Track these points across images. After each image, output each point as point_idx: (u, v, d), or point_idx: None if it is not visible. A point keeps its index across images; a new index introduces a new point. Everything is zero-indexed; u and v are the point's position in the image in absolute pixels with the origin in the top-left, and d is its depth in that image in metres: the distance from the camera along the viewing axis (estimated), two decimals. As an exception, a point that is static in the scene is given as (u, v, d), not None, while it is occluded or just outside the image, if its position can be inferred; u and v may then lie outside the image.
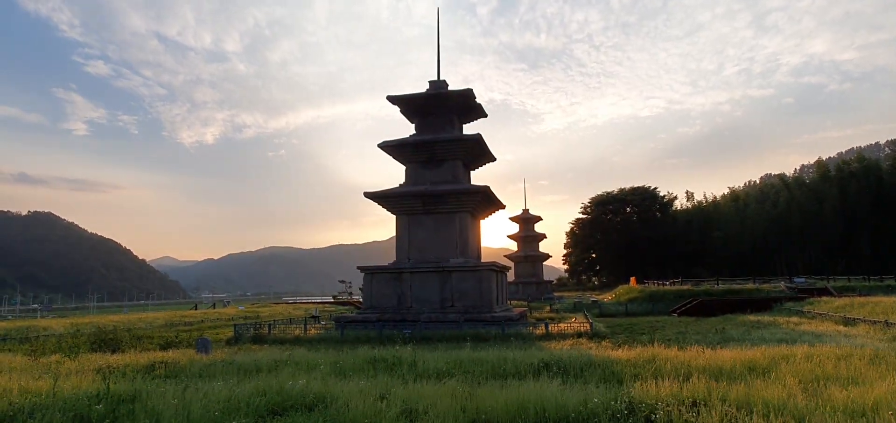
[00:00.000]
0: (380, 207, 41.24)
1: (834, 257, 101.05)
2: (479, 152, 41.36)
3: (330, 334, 32.42)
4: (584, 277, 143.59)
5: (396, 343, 28.06)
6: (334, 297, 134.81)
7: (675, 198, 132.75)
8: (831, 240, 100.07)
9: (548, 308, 55.23)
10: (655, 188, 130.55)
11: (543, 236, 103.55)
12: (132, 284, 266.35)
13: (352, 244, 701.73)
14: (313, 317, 46.40)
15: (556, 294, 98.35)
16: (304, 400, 9.62)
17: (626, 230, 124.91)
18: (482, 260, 41.55)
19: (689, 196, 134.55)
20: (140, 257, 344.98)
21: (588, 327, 28.71)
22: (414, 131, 41.94)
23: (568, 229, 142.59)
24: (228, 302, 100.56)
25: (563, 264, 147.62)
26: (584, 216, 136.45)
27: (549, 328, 29.18)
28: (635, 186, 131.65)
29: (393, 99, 41.35)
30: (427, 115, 41.36)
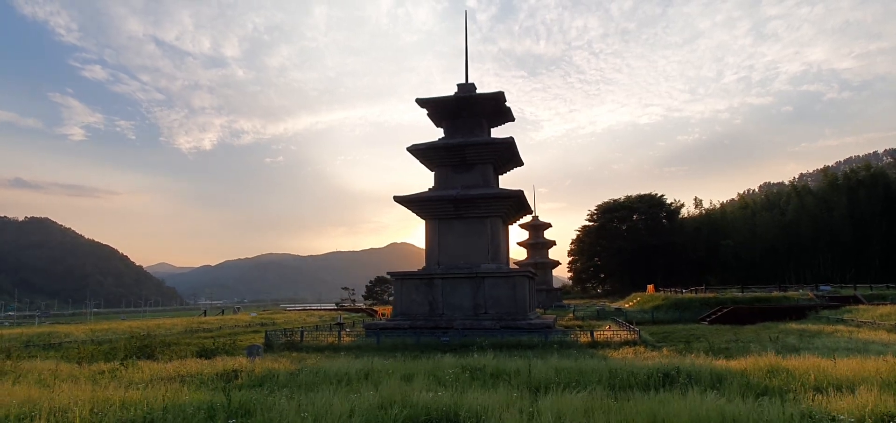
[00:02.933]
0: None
1: (843, 265, 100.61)
2: (510, 156, 40.68)
3: (365, 341, 31.56)
4: (588, 284, 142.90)
5: (437, 351, 27.24)
6: (337, 304, 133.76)
7: (682, 205, 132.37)
8: (841, 248, 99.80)
9: (570, 315, 54.44)
10: (662, 196, 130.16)
11: (553, 243, 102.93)
12: (129, 290, 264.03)
13: (349, 251, 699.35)
14: (338, 324, 45.47)
15: (565, 302, 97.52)
16: (437, 414, 8.80)
17: (633, 238, 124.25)
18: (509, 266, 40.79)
19: (697, 203, 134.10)
20: (137, 264, 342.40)
21: (635, 336, 27.94)
22: (442, 135, 41.24)
23: (574, 237, 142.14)
24: (238, 309, 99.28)
25: (568, 271, 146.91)
26: (591, 224, 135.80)
27: (595, 336, 28.39)
28: (642, 193, 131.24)
29: (422, 102, 40.63)
30: (456, 118, 40.66)
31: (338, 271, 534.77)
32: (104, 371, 15.66)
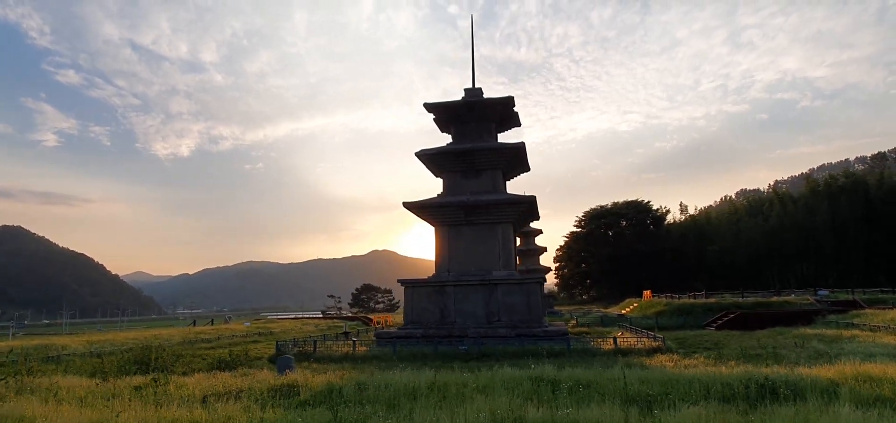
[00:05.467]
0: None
1: (826, 270, 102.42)
2: (519, 162, 40.34)
3: (380, 350, 30.76)
4: (575, 290, 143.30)
5: (457, 360, 26.59)
6: (323, 312, 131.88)
7: (668, 211, 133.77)
8: (824, 253, 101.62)
9: (573, 321, 54.19)
10: (649, 202, 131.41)
11: (544, 250, 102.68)
12: (105, 299, 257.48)
13: (330, 259, 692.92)
14: (345, 333, 44.46)
15: (555, 308, 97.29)
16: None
17: (621, 244, 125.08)
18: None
19: (683, 209, 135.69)
20: (113, 273, 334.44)
21: (660, 343, 27.66)
22: (450, 140, 40.74)
23: (561, 244, 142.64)
24: (229, 318, 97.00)
25: (555, 277, 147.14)
26: (578, 230, 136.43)
27: (618, 344, 28.05)
28: (629, 199, 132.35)
29: (429, 107, 40.12)
30: (464, 123, 40.21)
31: (319, 279, 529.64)
32: (140, 387, 14.70)
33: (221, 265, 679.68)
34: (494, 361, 25.76)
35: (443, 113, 40.50)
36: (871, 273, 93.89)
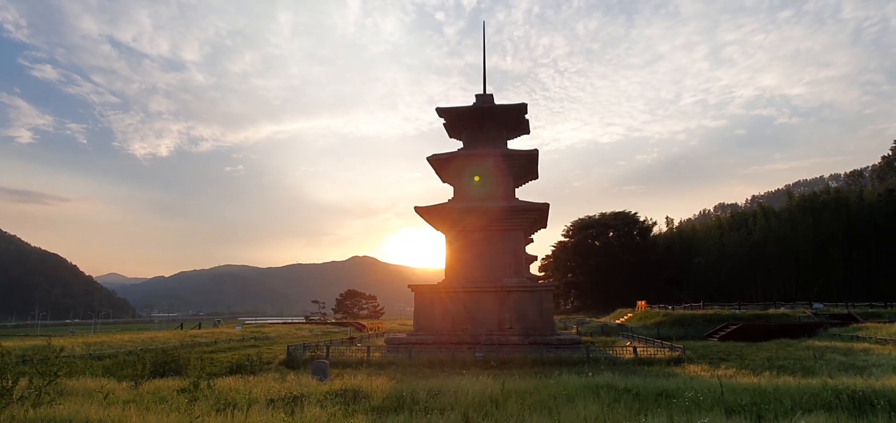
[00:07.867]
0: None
1: (807, 284, 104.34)
2: (529, 169, 40.24)
3: (395, 357, 30.17)
4: (560, 300, 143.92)
5: (474, 367, 26.20)
6: (307, 318, 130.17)
7: (655, 223, 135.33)
8: (806, 267, 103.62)
9: (575, 329, 54.18)
10: (636, 213, 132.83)
11: (535, 258, 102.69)
12: (78, 301, 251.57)
13: (310, 264, 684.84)
14: (350, 339, 43.69)
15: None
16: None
17: (607, 255, 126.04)
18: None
19: (669, 222, 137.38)
20: (86, 273, 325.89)
21: (680, 353, 27.65)
22: (461, 146, 40.47)
23: (548, 253, 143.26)
24: (219, 322, 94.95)
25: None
26: (566, 240, 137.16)
27: (638, 353, 27.95)
28: (616, 211, 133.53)
29: (441, 111, 39.81)
30: (476, 129, 39.99)
31: (298, 284, 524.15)
32: (185, 389, 14.04)
33: (198, 268, 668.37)
34: (516, 368, 25.44)
35: (454, 118, 40.23)
36: (851, 287, 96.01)
